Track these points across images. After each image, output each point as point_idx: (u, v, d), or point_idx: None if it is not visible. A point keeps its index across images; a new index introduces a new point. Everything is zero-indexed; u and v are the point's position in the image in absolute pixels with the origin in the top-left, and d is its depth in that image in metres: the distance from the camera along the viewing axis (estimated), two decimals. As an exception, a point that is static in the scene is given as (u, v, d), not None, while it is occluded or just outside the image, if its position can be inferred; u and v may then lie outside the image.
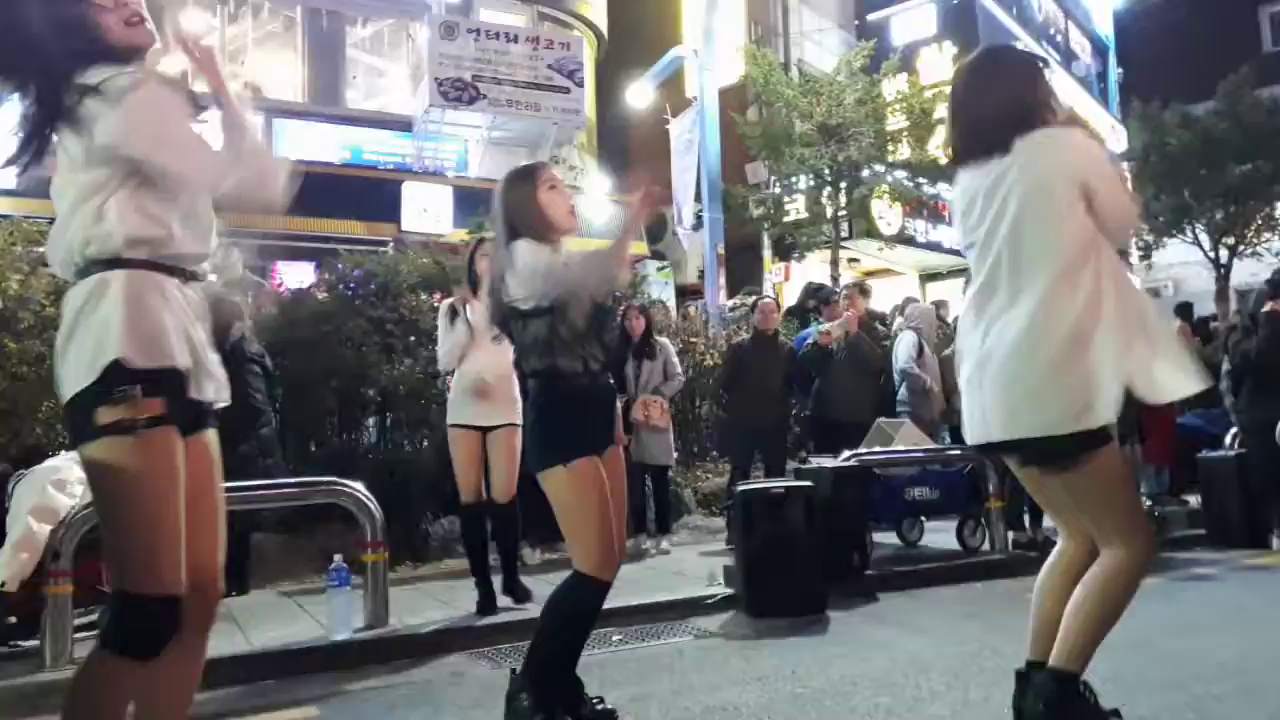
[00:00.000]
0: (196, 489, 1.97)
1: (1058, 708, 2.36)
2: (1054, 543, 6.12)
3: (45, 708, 3.37)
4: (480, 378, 4.74)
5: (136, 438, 1.84)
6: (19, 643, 3.97)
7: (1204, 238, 17.93)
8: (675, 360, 6.94)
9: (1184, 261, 18.27)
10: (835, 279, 13.91)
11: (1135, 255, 18.42)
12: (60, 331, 1.92)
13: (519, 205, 3.06)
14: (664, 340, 7.05)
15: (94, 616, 4.07)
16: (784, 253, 17.05)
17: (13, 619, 3.92)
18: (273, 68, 14.64)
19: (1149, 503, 7.13)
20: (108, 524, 1.92)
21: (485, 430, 4.76)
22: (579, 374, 2.94)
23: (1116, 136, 21.99)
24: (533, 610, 4.50)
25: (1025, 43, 20.09)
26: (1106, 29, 26.62)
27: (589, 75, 15.74)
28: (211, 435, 2.06)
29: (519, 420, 4.57)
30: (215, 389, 2.03)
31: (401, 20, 15.25)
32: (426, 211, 12.77)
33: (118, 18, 1.96)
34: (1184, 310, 9.60)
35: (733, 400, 7.23)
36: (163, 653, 1.88)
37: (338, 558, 4.50)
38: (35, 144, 1.93)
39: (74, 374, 1.86)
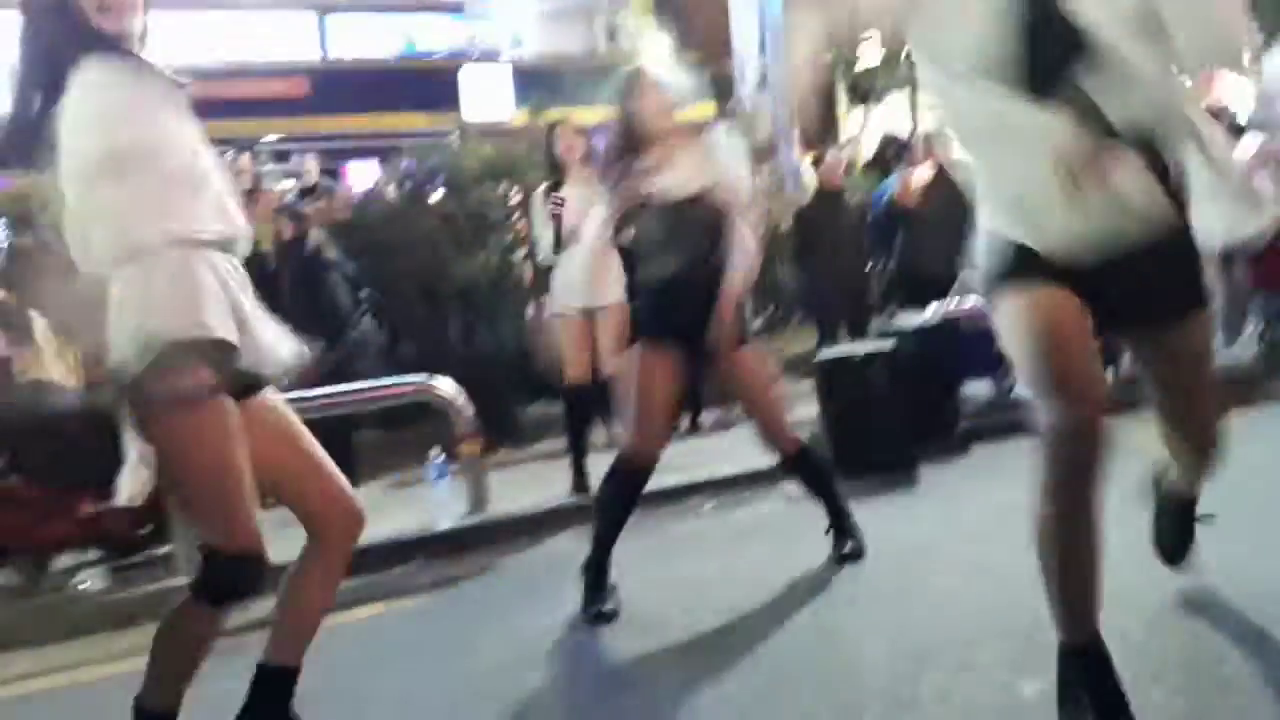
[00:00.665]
0: (280, 439, 2.09)
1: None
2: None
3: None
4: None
5: (190, 405, 1.89)
6: (153, 551, 4.29)
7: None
8: (747, 231, 6.79)
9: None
10: (914, 126, 13.28)
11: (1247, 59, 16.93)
12: (108, 313, 1.92)
13: (622, 121, 3.24)
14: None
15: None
16: (862, 97, 16.28)
17: (143, 530, 4.22)
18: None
19: (1260, 328, 6.79)
20: (177, 487, 2.07)
21: (591, 311, 4.83)
22: (657, 272, 3.24)
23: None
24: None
25: None
26: None
27: (639, -69, 14.97)
28: (272, 394, 2.12)
29: (621, 298, 4.70)
30: (264, 359, 2.03)
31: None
32: (488, 98, 12.59)
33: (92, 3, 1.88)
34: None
35: (807, 265, 7.09)
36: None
37: (435, 451, 4.68)
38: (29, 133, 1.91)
39: (122, 349, 1.91)
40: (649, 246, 3.31)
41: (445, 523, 4.43)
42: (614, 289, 4.77)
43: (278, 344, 2.07)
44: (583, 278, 4.81)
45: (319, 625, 2.16)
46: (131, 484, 4.08)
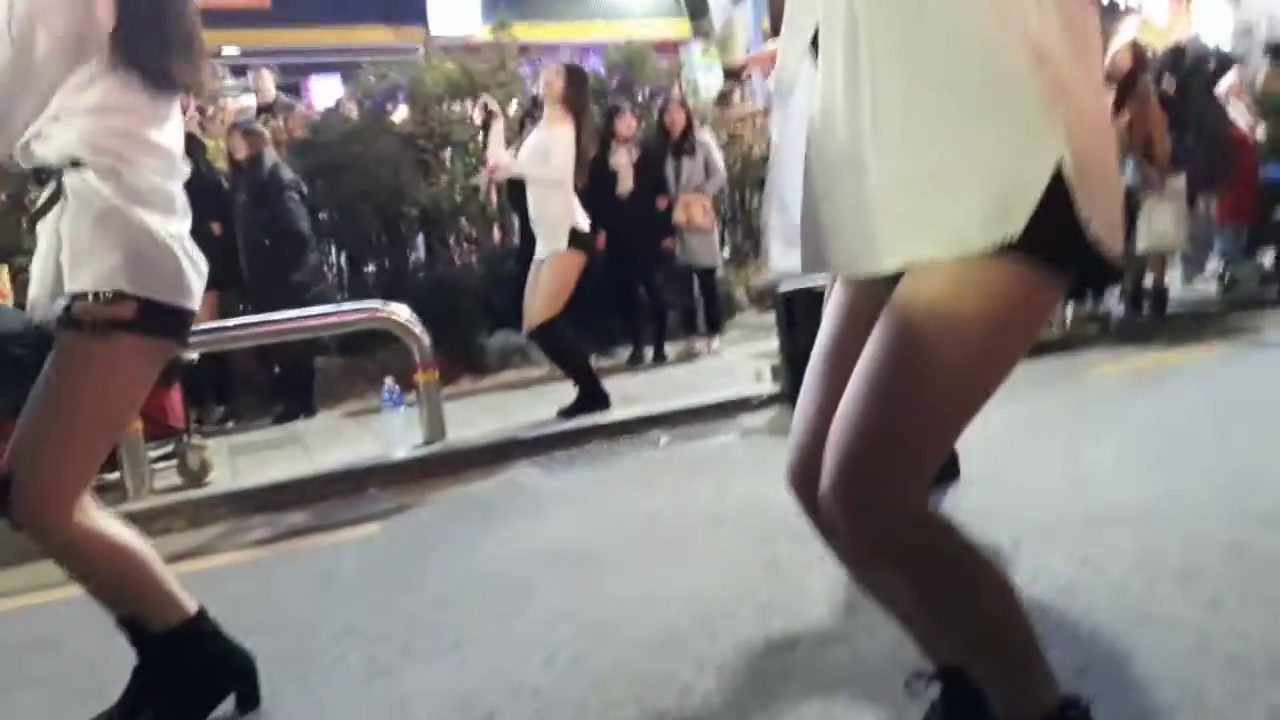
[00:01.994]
0: None
1: None
2: (1115, 317, 5.79)
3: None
4: None
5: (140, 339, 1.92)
6: (101, 476, 4.25)
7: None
8: (717, 156, 6.69)
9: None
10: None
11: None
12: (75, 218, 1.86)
13: None
14: (705, 135, 6.77)
15: (168, 449, 4.31)
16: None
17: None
18: None
19: (1223, 263, 6.82)
20: (58, 412, 1.95)
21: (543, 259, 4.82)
22: None
23: None
24: (600, 419, 4.69)
25: None
26: None
27: None
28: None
29: (557, 247, 4.72)
30: None
31: None
32: (454, 11, 12.17)
33: None
34: (1276, 50, 8.77)
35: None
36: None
37: (389, 380, 4.64)
38: None
39: (86, 271, 1.87)
40: None
41: (400, 452, 4.40)
42: (559, 237, 4.71)
43: None
44: (535, 227, 4.80)
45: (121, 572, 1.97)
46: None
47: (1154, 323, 5.87)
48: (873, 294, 1.26)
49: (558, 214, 4.71)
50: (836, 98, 1.19)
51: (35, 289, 1.95)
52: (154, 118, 1.91)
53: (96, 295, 1.84)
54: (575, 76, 4.82)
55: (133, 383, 1.95)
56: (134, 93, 1.87)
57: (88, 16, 1.77)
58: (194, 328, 2.05)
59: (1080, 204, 1.13)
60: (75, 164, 1.85)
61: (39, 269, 1.94)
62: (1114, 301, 6.03)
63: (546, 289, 4.73)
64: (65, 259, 1.86)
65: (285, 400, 5.86)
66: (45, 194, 1.91)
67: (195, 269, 1.96)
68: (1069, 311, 5.87)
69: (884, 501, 1.18)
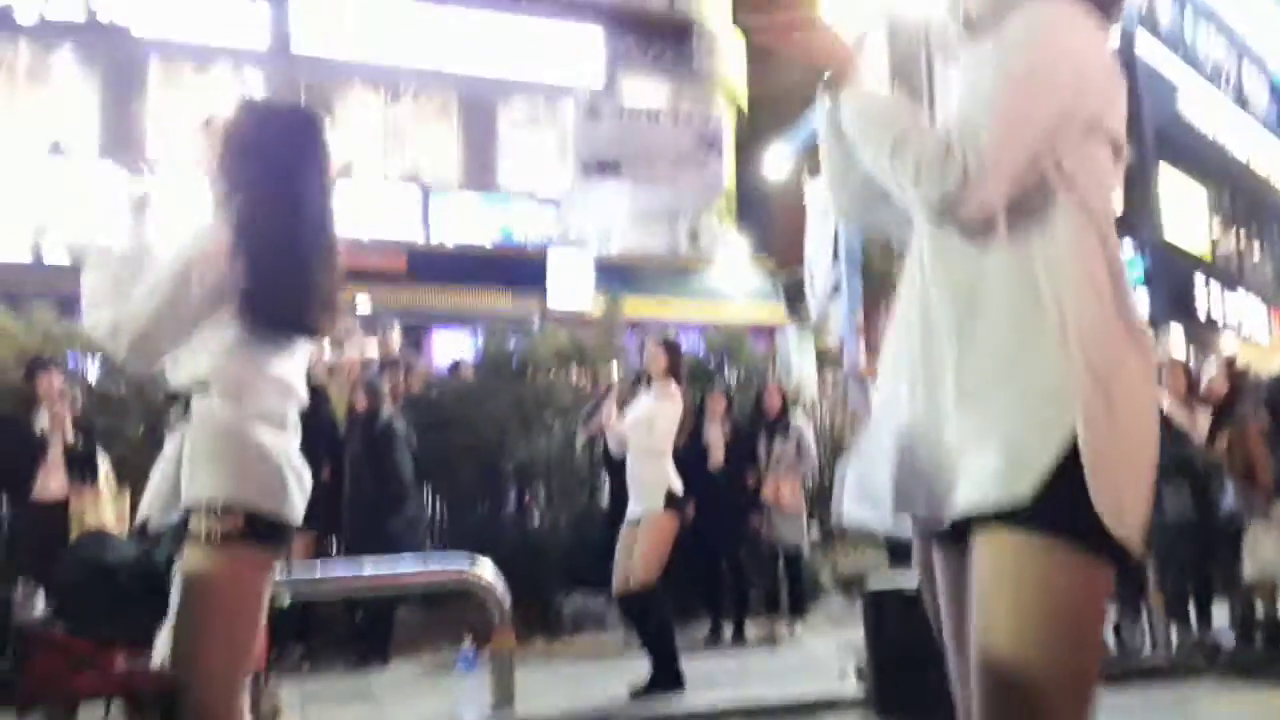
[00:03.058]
0: None
1: None
2: (1225, 648, 5.44)
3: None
4: None
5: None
6: None
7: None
8: (810, 439, 6.83)
9: None
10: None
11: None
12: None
13: None
14: (799, 417, 6.96)
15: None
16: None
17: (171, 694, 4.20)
18: (430, 145, 15.45)
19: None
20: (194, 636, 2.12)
21: (637, 520, 4.92)
22: None
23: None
24: (673, 706, 4.53)
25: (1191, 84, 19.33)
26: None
27: (728, 144, 15.88)
28: None
29: (653, 507, 4.80)
30: None
31: (551, 97, 15.77)
32: (570, 285, 13.15)
33: None
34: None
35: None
36: None
37: (467, 641, 4.62)
38: None
39: (201, 486, 2.02)
40: None
41: (468, 718, 4.31)
42: (656, 498, 4.82)
43: None
44: (631, 488, 4.93)
45: None
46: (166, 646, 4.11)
47: (1268, 656, 5.48)
48: (951, 565, 1.47)
49: (655, 478, 4.85)
50: (909, 370, 1.44)
51: (149, 498, 2.08)
52: (278, 352, 2.13)
53: (208, 508, 1.97)
54: (673, 349, 5.17)
55: (252, 592, 2.06)
56: (260, 333, 2.09)
57: (231, 273, 2.04)
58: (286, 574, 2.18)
59: (1090, 480, 1.25)
60: (201, 387, 2.05)
61: (157, 479, 2.08)
62: (1224, 631, 5.69)
63: (643, 551, 4.75)
64: (184, 472, 2.00)
65: (363, 646, 5.86)
66: (173, 411, 2.11)
67: (300, 485, 2.10)
68: (1174, 637, 5.55)
69: None
